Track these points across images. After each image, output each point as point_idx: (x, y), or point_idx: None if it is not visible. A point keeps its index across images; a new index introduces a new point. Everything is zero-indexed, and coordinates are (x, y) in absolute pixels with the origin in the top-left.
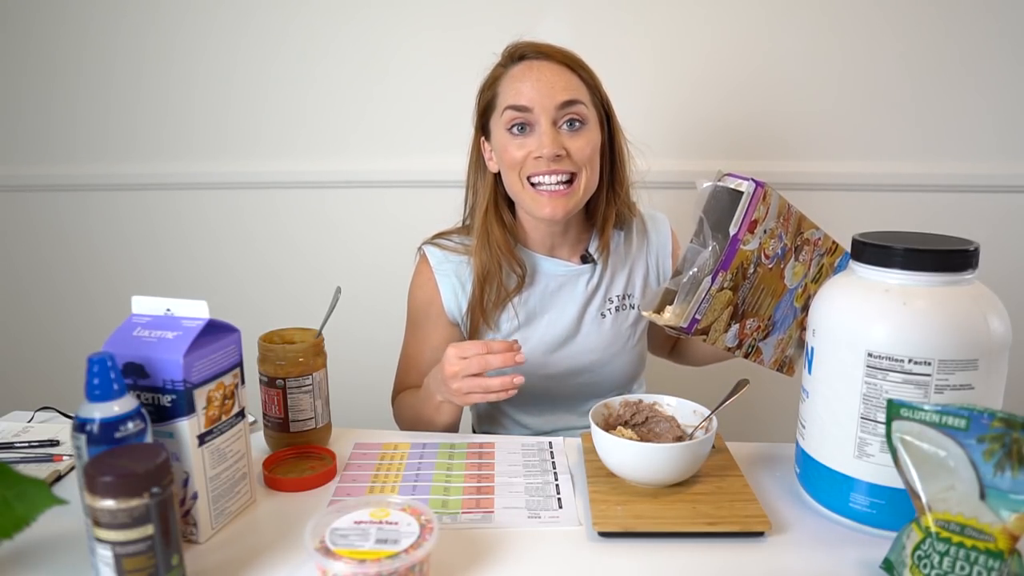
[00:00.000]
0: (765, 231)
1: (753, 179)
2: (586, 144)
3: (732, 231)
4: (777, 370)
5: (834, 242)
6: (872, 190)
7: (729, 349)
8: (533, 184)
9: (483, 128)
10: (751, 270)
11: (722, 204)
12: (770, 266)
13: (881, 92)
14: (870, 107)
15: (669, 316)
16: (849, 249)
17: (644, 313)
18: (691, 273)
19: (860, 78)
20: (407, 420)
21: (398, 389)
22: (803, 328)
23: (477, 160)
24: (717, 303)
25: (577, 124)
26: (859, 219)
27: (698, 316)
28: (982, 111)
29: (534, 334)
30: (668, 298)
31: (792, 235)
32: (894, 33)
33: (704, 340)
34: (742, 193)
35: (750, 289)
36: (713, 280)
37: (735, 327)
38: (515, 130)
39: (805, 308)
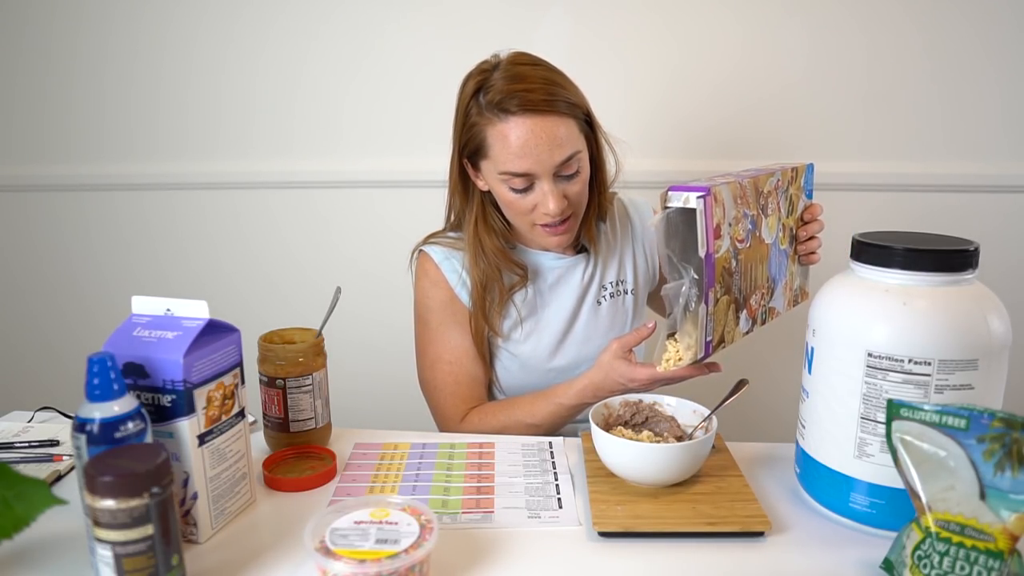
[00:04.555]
0: (730, 224)
1: (697, 187)
2: (582, 186)
3: (702, 253)
4: (794, 306)
5: (792, 169)
6: (872, 190)
7: (747, 333)
8: (540, 224)
9: (470, 158)
10: (733, 265)
11: (679, 227)
12: (748, 245)
13: (880, 92)
14: (870, 107)
15: (684, 357)
16: (850, 249)
17: (660, 369)
18: (683, 309)
19: (860, 78)
20: (497, 430)
21: (463, 406)
22: (797, 251)
23: (460, 177)
24: (719, 314)
25: (575, 172)
26: (859, 219)
27: (709, 338)
28: (982, 111)
29: (537, 328)
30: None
31: (754, 203)
32: (894, 33)
33: (723, 347)
34: (695, 210)
35: (740, 277)
36: (706, 303)
37: (743, 314)
38: (517, 189)
39: (794, 238)
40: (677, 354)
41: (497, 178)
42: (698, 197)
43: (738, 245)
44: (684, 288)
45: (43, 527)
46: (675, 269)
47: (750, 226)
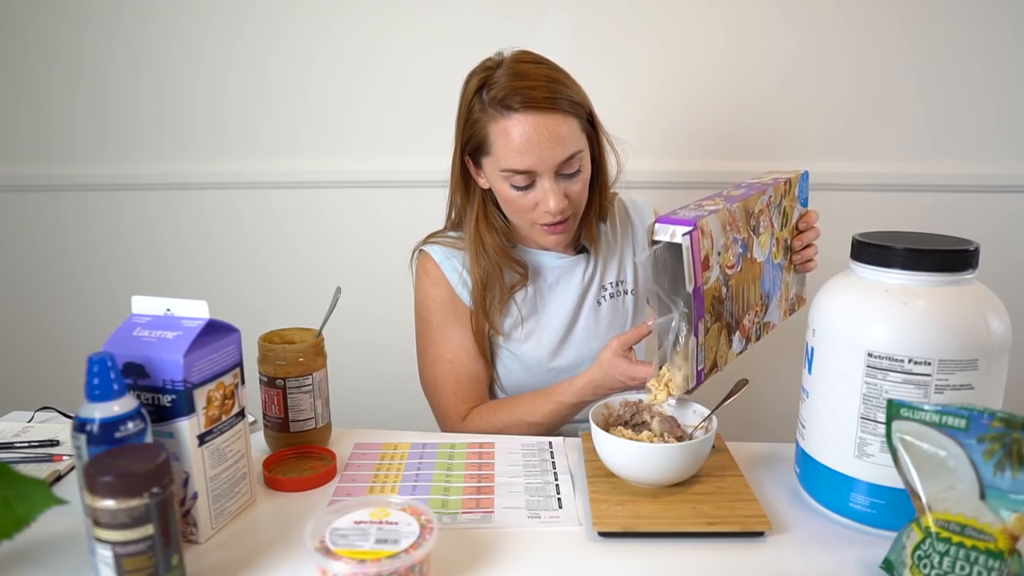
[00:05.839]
0: (719, 253)
1: (683, 220)
2: (583, 186)
3: (689, 289)
4: (791, 314)
5: (785, 181)
6: (872, 190)
7: (741, 352)
8: (540, 223)
9: (471, 155)
10: (724, 292)
11: (667, 261)
12: (739, 269)
13: (880, 92)
14: (869, 107)
15: (675, 392)
16: (850, 249)
17: (654, 402)
18: (671, 344)
19: (859, 78)
20: (498, 429)
21: (464, 406)
22: (793, 260)
23: (462, 175)
24: (710, 341)
25: (576, 171)
26: (859, 219)
27: (701, 367)
28: (982, 111)
29: (538, 327)
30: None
31: (744, 226)
32: (893, 32)
33: (717, 371)
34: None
35: (732, 301)
36: (696, 334)
37: (736, 336)
38: (518, 186)
39: (788, 249)
40: (670, 387)
41: (498, 175)
42: (684, 234)
43: (728, 271)
44: (673, 323)
45: (43, 527)
46: (664, 305)
47: (740, 250)
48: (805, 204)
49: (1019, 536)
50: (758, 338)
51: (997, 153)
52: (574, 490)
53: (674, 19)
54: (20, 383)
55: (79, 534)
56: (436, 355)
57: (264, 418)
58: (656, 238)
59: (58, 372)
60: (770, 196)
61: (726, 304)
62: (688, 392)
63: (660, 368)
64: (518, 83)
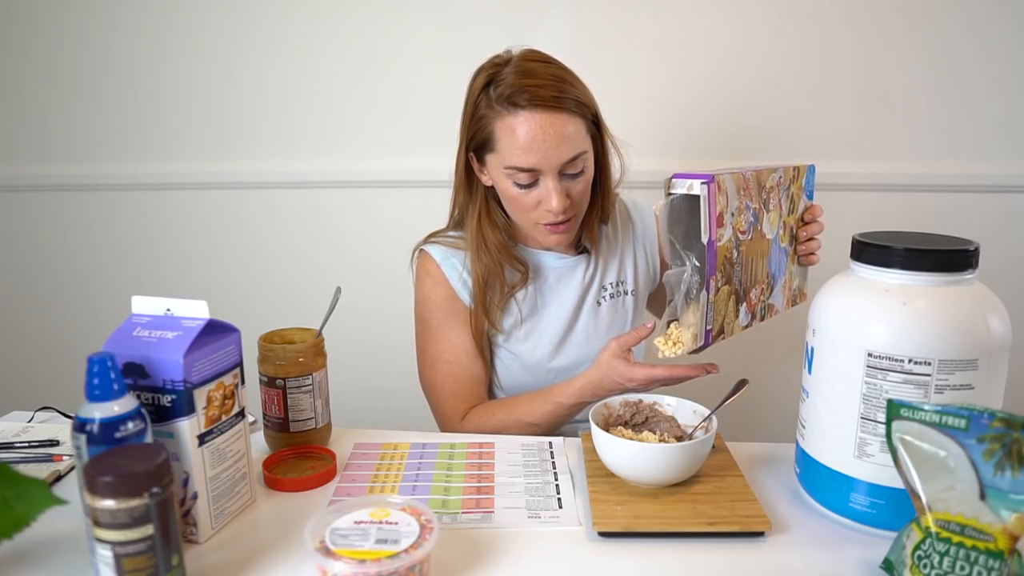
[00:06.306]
0: (732, 215)
1: (700, 175)
2: (585, 186)
3: (704, 239)
4: (792, 306)
5: (794, 168)
6: (872, 190)
7: (746, 327)
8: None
9: (475, 151)
10: (735, 255)
11: (683, 214)
12: (749, 237)
13: (880, 92)
14: (869, 107)
15: (684, 347)
16: (850, 249)
17: (659, 356)
18: (684, 296)
19: (859, 78)
20: (497, 429)
21: (463, 406)
22: (797, 251)
23: (466, 171)
24: (719, 303)
25: (580, 171)
26: (859, 219)
27: (709, 327)
28: (982, 111)
29: (537, 327)
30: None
31: (757, 196)
32: (893, 33)
33: (723, 338)
34: (698, 197)
35: (741, 268)
36: (707, 290)
37: (743, 307)
38: (521, 184)
39: (793, 238)
40: (678, 343)
41: (502, 172)
42: (702, 184)
43: (740, 236)
44: (686, 275)
45: (43, 527)
46: (677, 255)
47: (752, 219)
48: (811, 198)
49: (1019, 536)
50: (762, 318)
51: (997, 153)
52: (574, 490)
53: (675, 19)
54: (20, 383)
55: (79, 534)
56: (435, 355)
57: (264, 418)
58: (673, 191)
59: (58, 372)
60: (780, 176)
61: (736, 269)
62: (695, 352)
63: (669, 326)
64: (525, 81)
